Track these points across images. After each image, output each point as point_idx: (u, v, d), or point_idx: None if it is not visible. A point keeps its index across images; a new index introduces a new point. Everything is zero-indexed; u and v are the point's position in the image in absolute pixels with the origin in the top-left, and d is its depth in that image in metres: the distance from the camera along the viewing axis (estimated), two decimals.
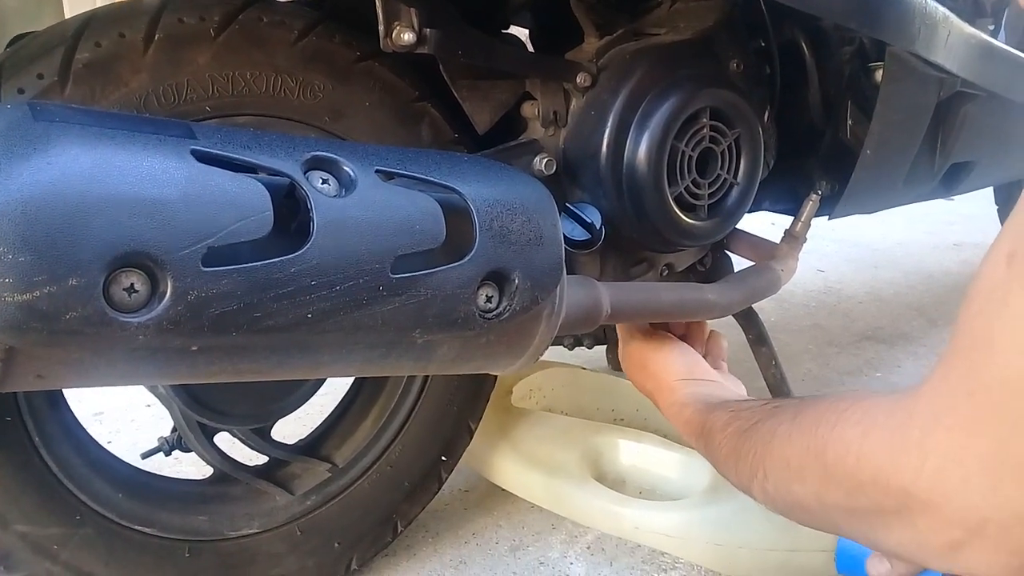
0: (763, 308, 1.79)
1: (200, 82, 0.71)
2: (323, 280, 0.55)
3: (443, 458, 0.95)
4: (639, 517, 0.91)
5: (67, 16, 0.74)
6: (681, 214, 0.86)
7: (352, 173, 0.59)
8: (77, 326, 0.48)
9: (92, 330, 0.48)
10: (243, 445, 0.88)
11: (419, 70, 0.82)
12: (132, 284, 0.49)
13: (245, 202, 0.53)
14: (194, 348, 0.55)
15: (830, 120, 1.05)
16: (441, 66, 0.80)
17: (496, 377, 0.98)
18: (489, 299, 0.64)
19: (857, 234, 2.46)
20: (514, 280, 0.64)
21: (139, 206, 0.49)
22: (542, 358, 1.22)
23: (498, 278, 0.64)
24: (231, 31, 0.72)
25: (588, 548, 1.00)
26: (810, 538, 0.86)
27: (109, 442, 1.28)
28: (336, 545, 0.89)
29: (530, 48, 0.98)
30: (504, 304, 0.65)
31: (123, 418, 1.38)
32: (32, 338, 0.47)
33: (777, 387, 1.15)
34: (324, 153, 0.59)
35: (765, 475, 0.58)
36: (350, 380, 0.97)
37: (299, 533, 0.87)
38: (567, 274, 0.75)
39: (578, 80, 0.84)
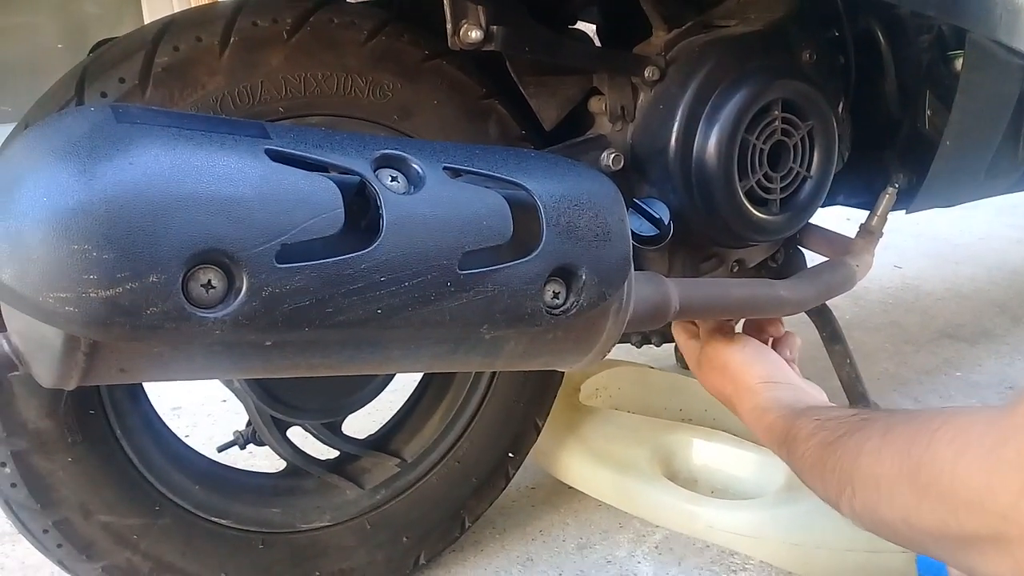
0: (838, 305, 1.74)
1: (274, 83, 0.73)
2: (392, 276, 0.56)
3: (510, 455, 0.95)
4: (713, 516, 0.90)
5: (146, 20, 0.76)
6: (752, 208, 0.85)
7: (420, 170, 0.59)
8: (157, 321, 0.49)
9: (171, 325, 0.49)
10: (315, 440, 0.90)
11: (486, 67, 0.82)
12: (209, 280, 0.51)
13: (317, 200, 0.53)
14: (268, 343, 0.56)
15: (908, 111, 1.02)
16: (508, 63, 0.80)
17: (563, 374, 0.98)
18: (556, 295, 0.64)
19: (937, 229, 2.39)
20: (581, 276, 0.64)
21: (216, 205, 0.50)
22: (609, 356, 1.23)
23: (565, 274, 0.64)
24: (303, 33, 0.73)
25: (656, 547, 0.99)
26: None
27: (187, 436, 1.31)
28: (405, 539, 0.91)
29: (597, 43, 0.98)
30: (571, 300, 0.65)
31: (200, 412, 1.42)
32: (115, 333, 0.48)
33: (852, 387, 1.12)
34: (393, 151, 0.60)
35: (853, 492, 0.56)
36: (419, 376, 0.98)
37: (369, 527, 0.89)
38: (635, 270, 0.75)
39: (646, 74, 0.83)
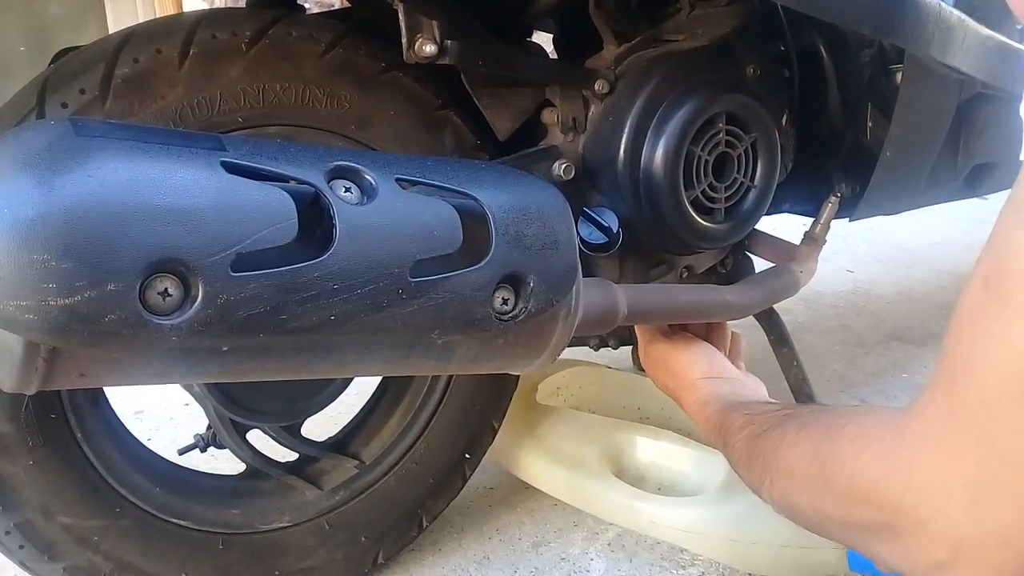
0: (790, 309, 1.80)
1: (232, 94, 0.75)
2: (345, 284, 0.58)
3: (467, 455, 0.98)
4: (655, 512, 0.93)
5: (109, 23, 0.78)
6: (698, 217, 0.88)
7: (373, 181, 0.62)
8: (116, 328, 0.51)
9: (129, 331, 0.51)
10: (275, 443, 0.92)
11: (442, 79, 0.85)
12: (166, 288, 0.53)
13: (272, 210, 0.56)
14: (224, 348, 0.58)
15: (850, 122, 1.06)
16: (463, 75, 0.83)
17: (518, 377, 1.00)
18: (505, 301, 0.67)
19: (890, 234, 2.45)
20: (529, 283, 0.67)
21: (173, 215, 0.52)
22: (568, 357, 1.26)
23: (514, 281, 0.66)
24: (262, 45, 0.75)
25: (609, 545, 1.02)
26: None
27: (149, 439, 1.32)
28: (363, 539, 0.93)
29: (553, 53, 1.01)
30: (520, 306, 0.67)
31: (162, 416, 1.43)
32: (74, 339, 0.50)
33: (799, 388, 1.16)
34: (347, 163, 0.62)
35: (772, 481, 0.61)
36: (377, 380, 1.00)
37: (328, 527, 0.90)
38: (585, 277, 0.78)
39: (596, 87, 0.86)
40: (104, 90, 0.70)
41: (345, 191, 0.61)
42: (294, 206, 0.56)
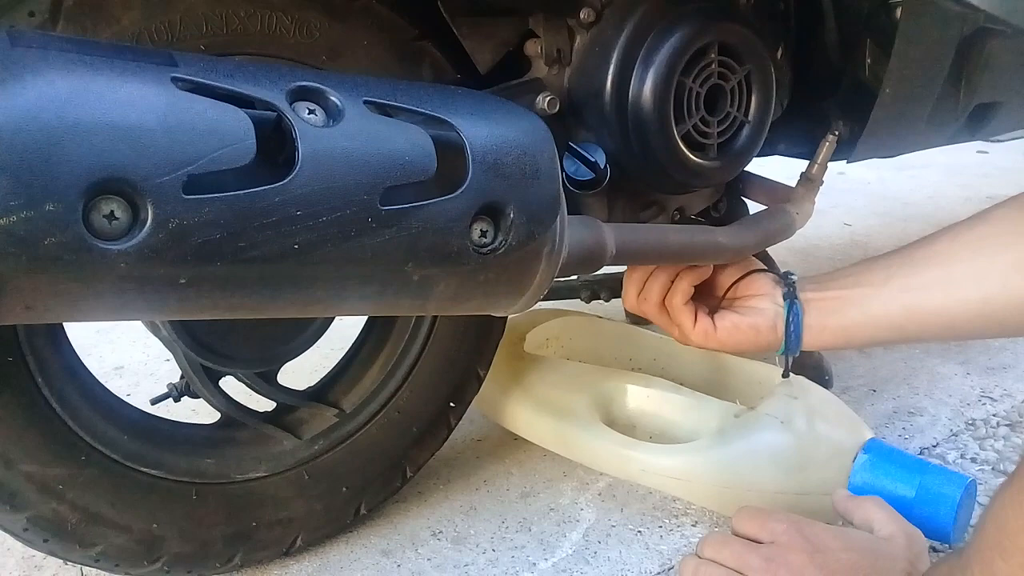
0: (786, 262, 1.77)
1: (193, 20, 0.70)
2: (309, 210, 0.55)
3: (451, 404, 0.95)
4: (645, 460, 0.90)
5: None
6: (689, 153, 0.84)
7: (339, 103, 0.58)
8: (56, 252, 0.47)
9: (72, 257, 0.48)
10: (252, 393, 0.88)
11: (419, 8, 0.80)
12: (112, 211, 0.49)
13: (226, 130, 0.52)
14: (182, 280, 0.54)
15: (848, 60, 1.02)
16: (440, 3, 0.79)
17: (504, 323, 0.97)
18: (484, 233, 0.63)
19: (887, 188, 2.41)
20: (509, 214, 0.63)
21: (117, 132, 0.49)
22: (559, 306, 1.23)
23: (492, 212, 0.63)
24: None
25: (599, 495, 0.99)
26: (819, 481, 0.85)
27: (128, 395, 1.29)
28: (344, 490, 0.90)
29: None
30: (499, 239, 0.64)
31: (143, 371, 1.40)
32: (10, 263, 0.47)
33: None
34: (310, 83, 0.58)
35: None
36: (359, 327, 0.96)
37: (307, 477, 0.88)
38: (572, 215, 0.74)
39: (582, 16, 0.82)
40: (55, 13, 0.65)
41: (309, 113, 0.57)
42: (251, 125, 0.53)
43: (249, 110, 0.55)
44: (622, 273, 1.26)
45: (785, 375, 0.88)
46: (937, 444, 1.09)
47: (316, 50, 0.75)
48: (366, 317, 0.96)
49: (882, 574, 0.69)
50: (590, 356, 1.17)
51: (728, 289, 0.86)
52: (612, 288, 1.30)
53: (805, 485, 0.85)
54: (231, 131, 0.52)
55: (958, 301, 0.74)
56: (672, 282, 0.85)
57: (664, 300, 0.85)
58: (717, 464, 0.87)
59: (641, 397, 0.98)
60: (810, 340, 0.82)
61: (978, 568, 0.52)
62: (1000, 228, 0.72)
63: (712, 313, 0.85)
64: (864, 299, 0.79)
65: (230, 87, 0.54)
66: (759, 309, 0.84)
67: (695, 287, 0.85)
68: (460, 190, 0.61)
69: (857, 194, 2.33)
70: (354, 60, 0.77)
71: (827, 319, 0.81)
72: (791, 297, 0.82)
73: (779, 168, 1.15)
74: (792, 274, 0.85)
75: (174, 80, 0.52)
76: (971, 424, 1.13)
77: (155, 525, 0.79)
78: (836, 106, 1.03)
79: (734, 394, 1.00)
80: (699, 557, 0.73)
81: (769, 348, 0.85)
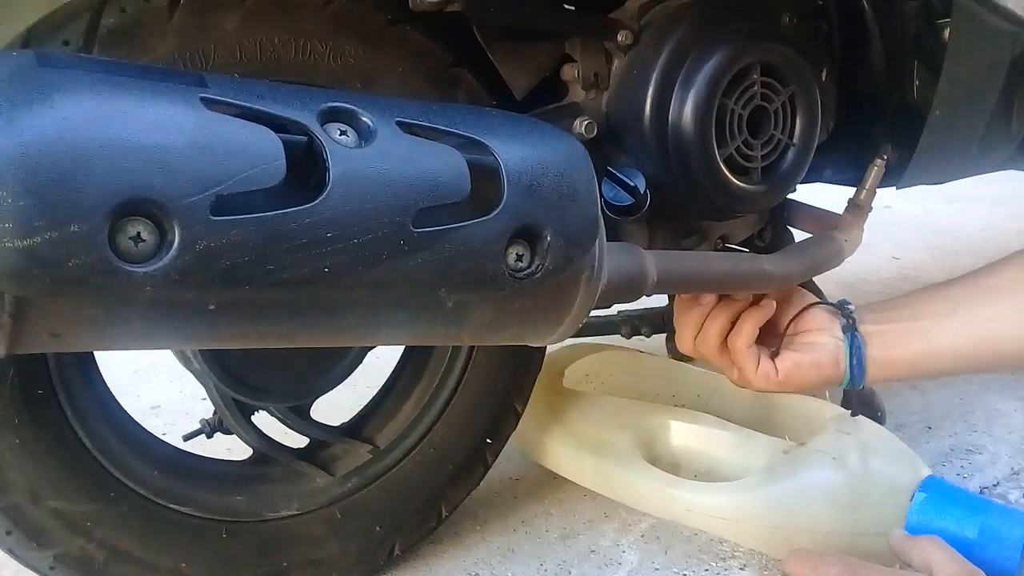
0: (834, 296, 1.72)
1: (228, 48, 0.70)
2: (340, 232, 0.53)
3: (488, 441, 0.92)
4: (690, 499, 0.86)
5: None
6: (732, 177, 0.82)
7: (371, 124, 0.56)
8: (81, 274, 0.46)
9: (97, 279, 0.46)
10: (284, 428, 0.86)
11: (455, 35, 0.80)
12: (139, 233, 0.47)
13: (256, 150, 0.50)
14: (211, 306, 0.53)
15: (895, 82, 0.99)
16: (475, 28, 0.78)
17: (542, 357, 0.94)
18: (520, 257, 0.61)
19: (936, 220, 2.36)
20: (546, 237, 0.61)
21: (144, 152, 0.47)
22: (599, 341, 1.20)
23: (528, 235, 0.61)
24: None
25: (642, 536, 0.95)
26: (874, 521, 0.80)
27: (164, 434, 1.27)
28: (378, 529, 0.87)
29: None
30: (536, 263, 0.61)
31: (179, 410, 1.39)
32: (34, 286, 0.45)
33: None
34: (341, 104, 0.57)
35: None
36: (394, 363, 0.94)
37: (339, 516, 0.85)
38: (611, 241, 0.72)
39: (619, 38, 0.80)
40: (89, 41, 0.66)
41: (340, 134, 0.55)
42: (281, 146, 0.51)
43: (279, 131, 0.54)
44: (664, 308, 1.24)
45: (853, 413, 0.85)
46: (998, 483, 1.03)
47: (351, 77, 0.75)
48: (402, 351, 0.94)
49: None
50: (631, 392, 1.13)
51: (787, 326, 0.83)
52: (653, 323, 1.27)
53: (860, 525, 0.80)
54: (260, 151, 0.51)
55: None
56: (732, 324, 0.82)
57: (725, 342, 0.82)
58: (766, 503, 0.83)
59: (685, 433, 0.95)
60: (874, 373, 0.80)
61: None
62: None
63: (772, 354, 0.82)
64: (929, 331, 0.77)
65: (260, 107, 0.53)
66: (819, 344, 0.81)
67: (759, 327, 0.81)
68: (495, 212, 0.59)
69: (905, 227, 2.28)
70: (389, 87, 0.76)
71: (891, 351, 0.79)
72: (851, 330, 0.79)
73: (825, 196, 1.12)
74: (849, 304, 0.82)
75: (203, 100, 0.51)
76: None
77: (184, 564, 0.77)
78: (884, 130, 1.00)
79: (782, 430, 0.96)
80: None
81: (832, 384, 0.82)
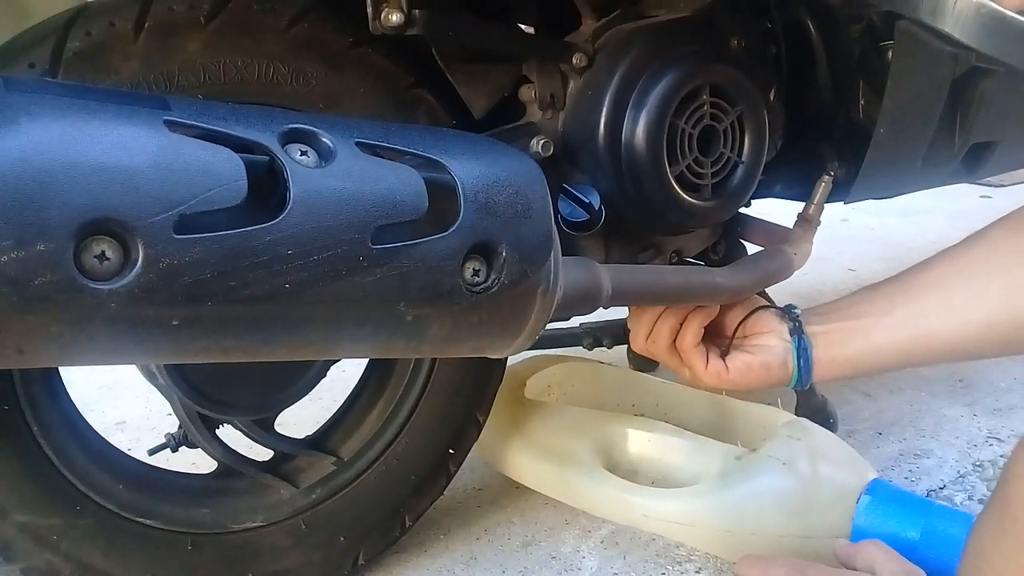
0: None
1: (191, 70, 0.71)
2: (300, 249, 0.55)
3: (451, 451, 0.94)
4: (647, 505, 0.89)
5: None
6: (684, 194, 0.84)
7: (331, 144, 0.59)
8: (47, 292, 0.47)
9: (62, 296, 0.48)
10: (249, 443, 0.88)
11: (415, 57, 0.82)
12: (103, 251, 0.49)
13: (218, 170, 0.52)
14: (174, 322, 0.54)
15: (841, 101, 1.03)
16: (434, 50, 0.80)
17: (503, 368, 0.97)
18: (476, 272, 0.63)
19: (891, 233, 2.42)
20: (501, 253, 0.63)
21: (109, 173, 0.49)
22: (562, 352, 1.22)
23: (484, 251, 0.63)
24: (221, 19, 0.72)
25: (602, 542, 0.98)
26: (823, 524, 0.83)
27: (130, 449, 1.28)
28: (342, 539, 0.88)
29: None
30: (492, 278, 0.64)
31: (145, 426, 1.39)
32: (1, 303, 0.47)
33: None
34: (302, 125, 0.59)
35: None
36: (358, 375, 0.96)
37: (304, 527, 0.86)
38: (568, 256, 0.74)
39: (574, 60, 0.83)
40: (55, 64, 0.67)
41: (301, 154, 0.57)
42: (243, 166, 0.53)
43: (241, 152, 0.55)
44: (625, 320, 1.26)
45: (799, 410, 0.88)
46: (944, 486, 1.07)
47: (313, 98, 0.77)
48: (365, 364, 0.96)
49: None
50: (592, 402, 1.16)
51: (736, 328, 0.87)
52: (615, 335, 1.29)
53: (809, 528, 0.83)
54: (223, 172, 0.52)
55: (961, 325, 0.76)
56: (681, 324, 0.85)
57: (675, 342, 0.86)
58: (719, 508, 0.85)
59: (643, 442, 0.97)
60: (820, 372, 0.83)
61: None
62: (994, 251, 0.75)
63: (722, 353, 0.85)
64: (869, 330, 0.81)
65: (222, 129, 0.55)
66: (768, 347, 0.85)
67: (704, 328, 0.85)
68: (452, 229, 0.61)
69: (861, 240, 2.33)
70: (351, 108, 0.78)
71: (835, 351, 0.83)
72: (798, 332, 0.83)
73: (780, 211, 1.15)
74: (795, 308, 0.86)
75: (167, 123, 0.53)
76: (978, 466, 1.11)
77: None
78: (831, 147, 1.04)
79: (737, 437, 0.99)
80: None
81: (780, 384, 0.85)
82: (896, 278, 0.84)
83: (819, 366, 0.83)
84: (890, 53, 0.96)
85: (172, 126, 0.53)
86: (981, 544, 0.49)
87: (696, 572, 0.91)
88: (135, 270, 0.50)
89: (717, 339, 0.87)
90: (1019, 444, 0.47)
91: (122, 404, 1.49)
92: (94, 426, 0.82)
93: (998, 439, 1.18)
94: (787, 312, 0.86)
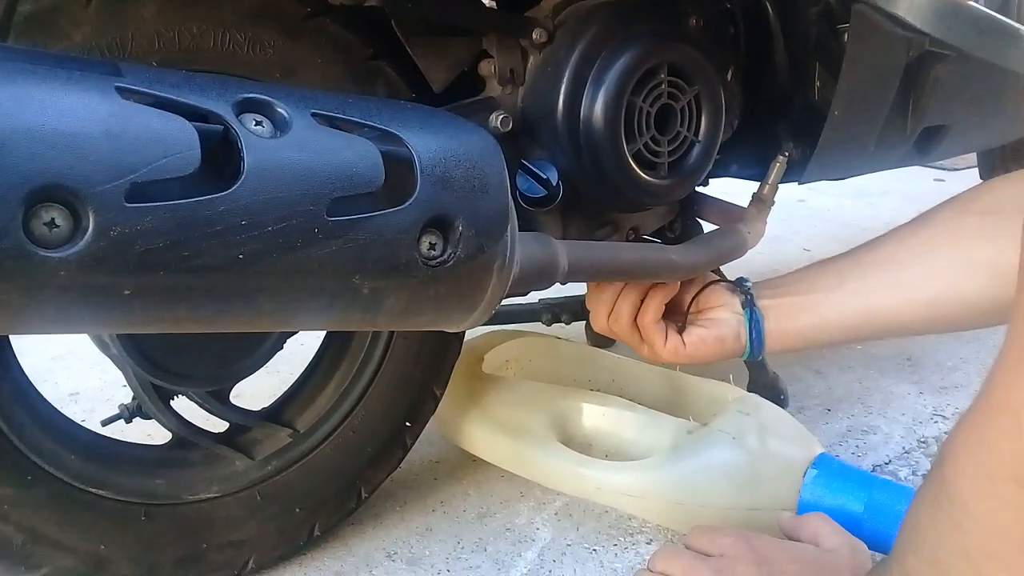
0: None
1: (145, 36, 0.70)
2: (254, 220, 0.55)
3: (407, 424, 0.94)
4: (600, 477, 0.90)
5: None
6: (640, 171, 0.85)
7: (287, 115, 0.58)
8: None
9: (11, 264, 0.48)
10: (205, 414, 0.87)
11: (374, 28, 0.81)
12: (53, 219, 0.49)
13: (170, 139, 0.52)
14: (126, 291, 0.54)
15: (798, 83, 1.04)
16: (394, 22, 0.80)
17: (461, 342, 0.97)
18: (432, 246, 0.64)
19: (846, 215, 2.46)
20: (458, 227, 0.64)
21: (59, 140, 0.49)
22: (519, 328, 1.23)
23: (441, 224, 0.63)
24: None
25: (556, 514, 0.99)
26: (770, 497, 0.85)
27: (83, 420, 1.26)
28: (297, 511, 0.89)
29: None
30: (448, 251, 0.64)
31: (99, 397, 1.38)
32: None
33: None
34: (257, 95, 0.58)
35: None
36: (315, 349, 0.96)
37: (259, 498, 0.87)
38: (526, 231, 0.75)
39: (534, 36, 0.83)
40: (5, 28, 0.66)
41: (255, 124, 0.57)
42: (196, 135, 0.53)
43: (195, 120, 0.55)
44: (583, 296, 1.28)
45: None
46: (890, 461, 1.10)
47: (270, 67, 0.76)
48: (323, 336, 0.96)
49: None
50: (549, 377, 1.17)
51: (690, 303, 0.88)
52: (573, 311, 1.30)
53: (756, 501, 0.85)
54: (175, 140, 0.52)
55: (909, 302, 0.80)
56: (642, 301, 0.87)
57: (635, 319, 0.87)
58: (669, 481, 0.87)
59: (597, 416, 0.99)
60: (772, 345, 0.87)
61: (896, 567, 0.53)
62: (941, 232, 0.78)
63: (679, 329, 0.88)
64: (819, 304, 0.84)
65: (176, 97, 0.55)
66: (721, 320, 0.87)
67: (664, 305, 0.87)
68: (408, 202, 0.61)
69: (816, 220, 2.37)
70: (308, 78, 0.78)
71: (786, 324, 0.86)
72: (750, 305, 0.85)
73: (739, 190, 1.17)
74: (746, 280, 0.88)
75: (119, 90, 0.52)
76: (923, 442, 1.15)
77: (102, 547, 0.78)
78: (787, 128, 1.05)
79: (690, 412, 1.01)
80: (651, 571, 0.73)
81: (734, 355, 0.89)
82: (847, 254, 0.87)
83: (771, 338, 0.86)
84: (846, 36, 0.97)
85: (124, 93, 0.52)
86: (917, 520, 0.51)
87: (647, 543, 0.93)
88: (85, 238, 0.49)
89: (672, 315, 0.89)
90: (956, 424, 0.49)
91: (75, 375, 1.47)
92: (47, 397, 0.81)
93: (943, 416, 1.22)
94: (739, 285, 0.89)
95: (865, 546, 0.75)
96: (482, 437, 1.02)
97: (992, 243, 0.78)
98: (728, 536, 0.73)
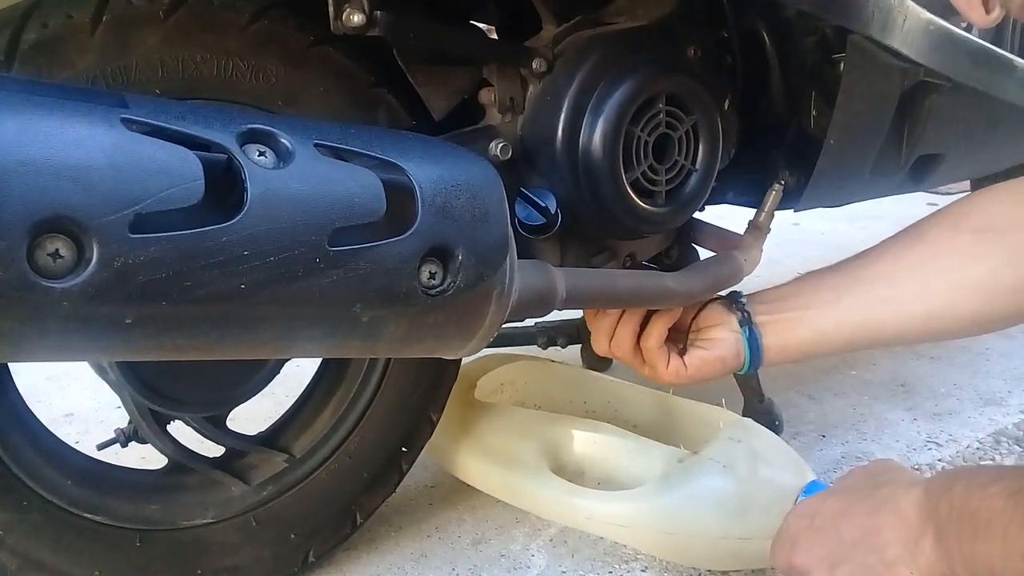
0: None
1: (149, 64, 0.71)
2: (256, 250, 0.55)
3: (403, 449, 0.94)
4: (590, 507, 0.90)
5: None
6: (638, 200, 0.86)
7: (290, 146, 0.59)
8: None
9: (15, 294, 0.48)
10: (201, 439, 0.87)
11: (376, 57, 0.82)
12: (57, 249, 0.49)
13: (175, 170, 0.52)
14: (128, 320, 0.54)
15: (794, 111, 1.05)
16: (396, 52, 0.80)
17: (458, 367, 0.97)
18: (432, 275, 0.64)
19: (840, 238, 2.47)
20: (458, 256, 0.64)
21: (64, 171, 0.49)
22: (513, 351, 1.23)
23: (441, 254, 0.64)
24: (181, 13, 0.72)
25: (551, 541, 0.99)
26: (762, 526, 0.85)
27: (77, 442, 1.26)
28: (293, 536, 0.89)
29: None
30: (448, 281, 0.65)
31: (93, 418, 1.38)
32: None
33: (745, 382, 1.15)
34: (260, 126, 0.59)
35: None
36: (312, 373, 0.96)
37: (255, 524, 0.86)
38: (524, 259, 0.75)
39: (534, 65, 0.84)
40: (10, 56, 0.66)
41: (259, 155, 0.58)
42: (200, 166, 0.53)
43: (199, 151, 0.55)
44: (579, 320, 1.28)
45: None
46: None
47: (272, 95, 0.76)
48: (320, 362, 0.96)
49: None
50: (544, 401, 1.17)
51: (690, 324, 0.91)
52: (569, 334, 1.31)
53: (747, 530, 0.85)
54: (179, 171, 0.52)
55: (907, 317, 0.83)
56: (642, 326, 0.89)
57: (638, 343, 0.90)
58: (659, 510, 0.87)
59: (588, 443, 0.99)
60: (771, 359, 0.89)
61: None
62: (937, 250, 0.82)
63: (680, 350, 0.90)
64: (817, 319, 0.87)
65: (180, 128, 0.55)
66: (721, 340, 0.89)
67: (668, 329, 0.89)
68: (409, 232, 0.62)
69: (811, 244, 2.39)
70: (310, 106, 0.78)
71: (784, 339, 0.88)
72: (747, 323, 0.88)
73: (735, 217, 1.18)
74: (741, 296, 0.89)
75: (124, 121, 0.53)
76: (917, 469, 1.15)
77: (96, 573, 0.78)
78: (783, 156, 1.06)
79: (683, 436, 1.01)
80: None
81: (735, 371, 0.92)
82: (841, 268, 0.90)
83: (770, 352, 0.89)
84: (842, 66, 0.99)
85: (129, 124, 0.53)
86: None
87: (642, 571, 0.93)
88: (89, 269, 0.49)
89: (672, 335, 0.91)
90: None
91: (70, 395, 1.47)
92: (41, 417, 0.81)
93: (936, 443, 1.22)
94: (734, 301, 0.90)
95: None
96: (474, 466, 1.01)
97: (987, 261, 0.80)
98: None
